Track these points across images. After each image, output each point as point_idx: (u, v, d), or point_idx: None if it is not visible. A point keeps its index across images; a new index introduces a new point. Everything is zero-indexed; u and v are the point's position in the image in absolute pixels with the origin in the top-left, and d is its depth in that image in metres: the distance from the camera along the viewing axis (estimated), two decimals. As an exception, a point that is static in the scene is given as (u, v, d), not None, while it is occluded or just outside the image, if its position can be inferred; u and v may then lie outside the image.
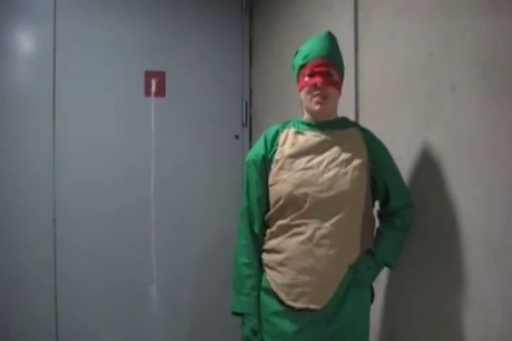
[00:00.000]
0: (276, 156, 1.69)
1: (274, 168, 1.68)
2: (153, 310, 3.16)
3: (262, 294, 1.70)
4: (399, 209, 1.70)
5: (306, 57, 1.68)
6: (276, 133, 1.74)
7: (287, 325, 1.62)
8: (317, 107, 1.67)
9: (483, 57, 1.40)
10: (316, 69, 1.65)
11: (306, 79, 1.67)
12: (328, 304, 1.60)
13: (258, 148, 1.74)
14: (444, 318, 1.57)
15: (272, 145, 1.72)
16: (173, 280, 3.18)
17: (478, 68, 1.41)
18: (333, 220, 1.61)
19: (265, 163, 1.71)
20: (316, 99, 1.66)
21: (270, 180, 1.69)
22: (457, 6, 1.50)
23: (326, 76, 1.65)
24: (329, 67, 1.65)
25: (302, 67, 1.69)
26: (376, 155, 1.69)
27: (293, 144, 1.68)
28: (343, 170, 1.62)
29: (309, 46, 1.69)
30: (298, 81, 1.73)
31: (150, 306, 3.15)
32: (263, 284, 1.70)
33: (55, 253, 3.01)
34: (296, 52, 1.74)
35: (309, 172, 1.63)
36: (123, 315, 3.09)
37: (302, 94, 1.70)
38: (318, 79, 1.64)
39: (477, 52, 1.42)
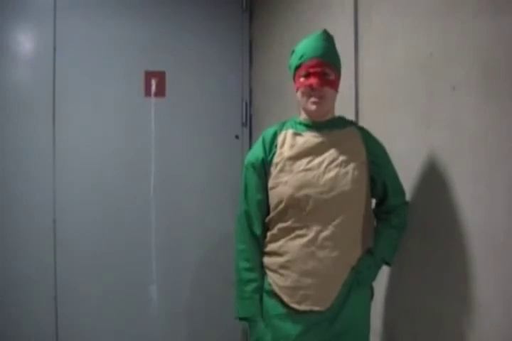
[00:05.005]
0: (276, 159, 1.68)
1: (274, 170, 1.67)
2: (153, 310, 3.16)
3: (264, 296, 1.69)
4: (395, 207, 1.71)
5: (301, 57, 1.66)
6: (274, 135, 1.73)
7: (290, 328, 1.62)
8: (314, 107, 1.66)
9: (483, 57, 1.40)
10: (311, 70, 1.63)
11: (302, 79, 1.66)
12: (332, 305, 1.60)
13: (257, 151, 1.73)
14: (444, 318, 1.57)
15: (270, 147, 1.71)
16: (173, 280, 3.18)
17: (478, 68, 1.41)
18: (335, 222, 1.60)
19: (264, 166, 1.70)
20: (312, 99, 1.65)
21: (270, 183, 1.68)
22: (457, 6, 1.50)
23: (322, 76, 1.63)
24: (324, 66, 1.64)
25: (297, 67, 1.68)
26: (374, 154, 1.69)
27: (292, 146, 1.67)
28: (343, 170, 1.62)
29: (304, 46, 1.68)
30: (294, 81, 1.72)
31: (150, 306, 3.15)
32: (265, 286, 1.69)
33: (55, 254, 3.01)
34: (292, 52, 1.73)
35: (310, 174, 1.62)
36: (123, 315, 3.09)
37: (298, 94, 1.70)
38: (313, 80, 1.63)
39: (477, 52, 1.42)
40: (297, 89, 1.70)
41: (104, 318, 3.08)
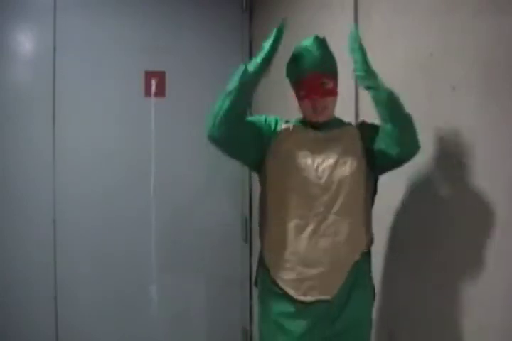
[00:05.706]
0: (277, 144, 1.70)
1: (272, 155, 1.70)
2: (153, 310, 3.16)
3: (268, 294, 1.70)
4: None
5: (298, 73, 1.68)
6: (276, 123, 1.75)
7: (294, 325, 1.63)
8: (317, 118, 1.70)
9: (483, 57, 1.40)
10: (310, 85, 1.66)
11: (302, 94, 1.68)
12: (338, 293, 1.61)
13: (267, 120, 1.76)
14: (444, 317, 1.57)
15: (275, 127, 1.74)
16: (173, 280, 3.18)
17: (478, 68, 1.41)
18: (335, 209, 1.61)
19: (269, 131, 1.72)
20: (315, 113, 1.68)
21: (271, 168, 1.70)
22: (457, 5, 1.50)
23: (321, 88, 1.65)
24: (322, 77, 1.66)
25: (296, 83, 1.70)
26: (372, 149, 1.66)
27: (293, 136, 1.71)
28: (342, 160, 1.64)
29: (299, 60, 1.69)
30: (294, 91, 1.74)
31: (150, 306, 3.15)
32: (267, 284, 1.70)
33: (55, 254, 3.01)
34: (288, 63, 1.73)
35: (309, 161, 1.65)
36: (123, 315, 3.09)
37: (299, 105, 1.72)
38: (314, 96, 1.65)
39: (477, 52, 1.42)
40: (298, 102, 1.72)
41: (104, 318, 3.07)
